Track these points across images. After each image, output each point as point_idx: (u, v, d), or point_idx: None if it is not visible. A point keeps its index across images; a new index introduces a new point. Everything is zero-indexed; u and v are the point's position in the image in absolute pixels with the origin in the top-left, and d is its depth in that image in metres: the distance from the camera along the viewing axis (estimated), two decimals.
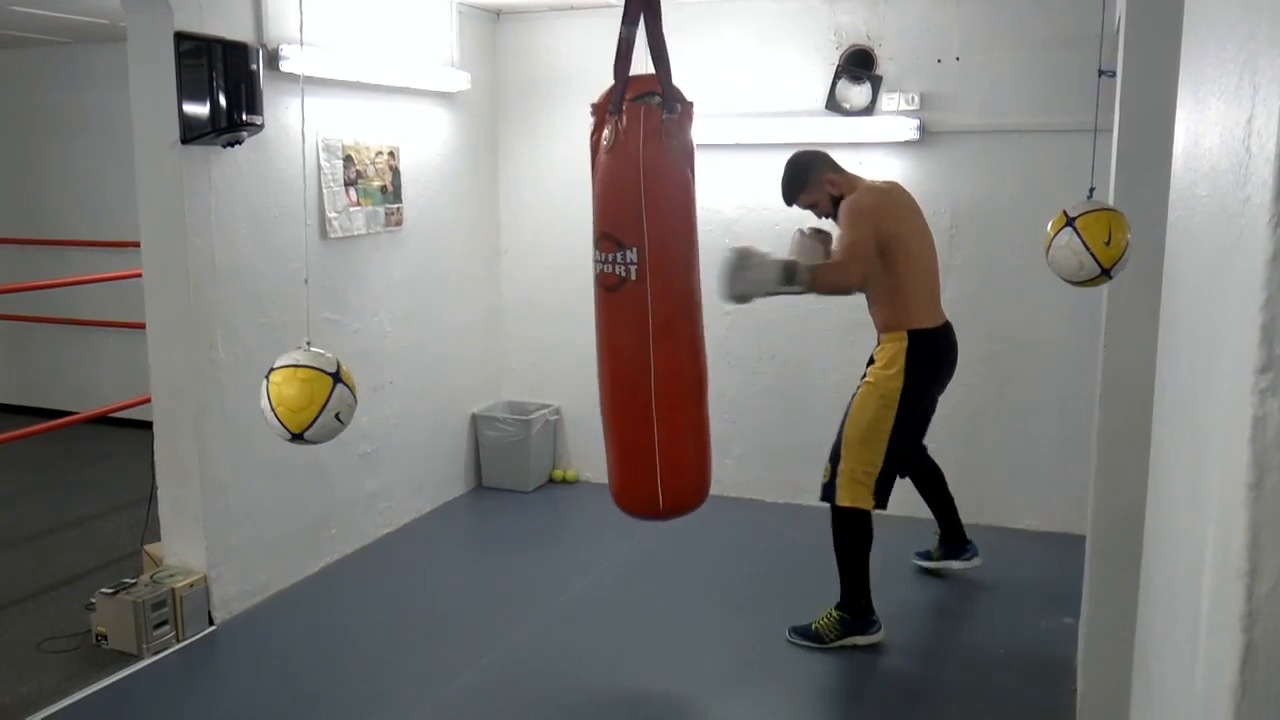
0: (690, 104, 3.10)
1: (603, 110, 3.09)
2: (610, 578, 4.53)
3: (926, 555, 4.47)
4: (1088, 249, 2.87)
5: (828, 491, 3.76)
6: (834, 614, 3.83)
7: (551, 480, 5.83)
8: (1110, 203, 3.25)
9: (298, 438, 2.48)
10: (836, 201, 3.75)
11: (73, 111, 6.92)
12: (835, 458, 3.75)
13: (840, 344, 5.24)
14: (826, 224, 3.90)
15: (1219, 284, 0.98)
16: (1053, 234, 2.96)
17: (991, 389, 5.03)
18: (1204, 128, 1.14)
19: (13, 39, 6.67)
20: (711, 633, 4.02)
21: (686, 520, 5.14)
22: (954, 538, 4.40)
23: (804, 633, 3.85)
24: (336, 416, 2.46)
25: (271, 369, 2.49)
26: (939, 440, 5.07)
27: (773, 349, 5.39)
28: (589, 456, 5.81)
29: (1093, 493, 3.27)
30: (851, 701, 3.61)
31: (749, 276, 3.48)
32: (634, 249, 3.00)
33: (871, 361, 3.80)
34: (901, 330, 3.71)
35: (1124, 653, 2.96)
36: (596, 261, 3.11)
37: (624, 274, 3.02)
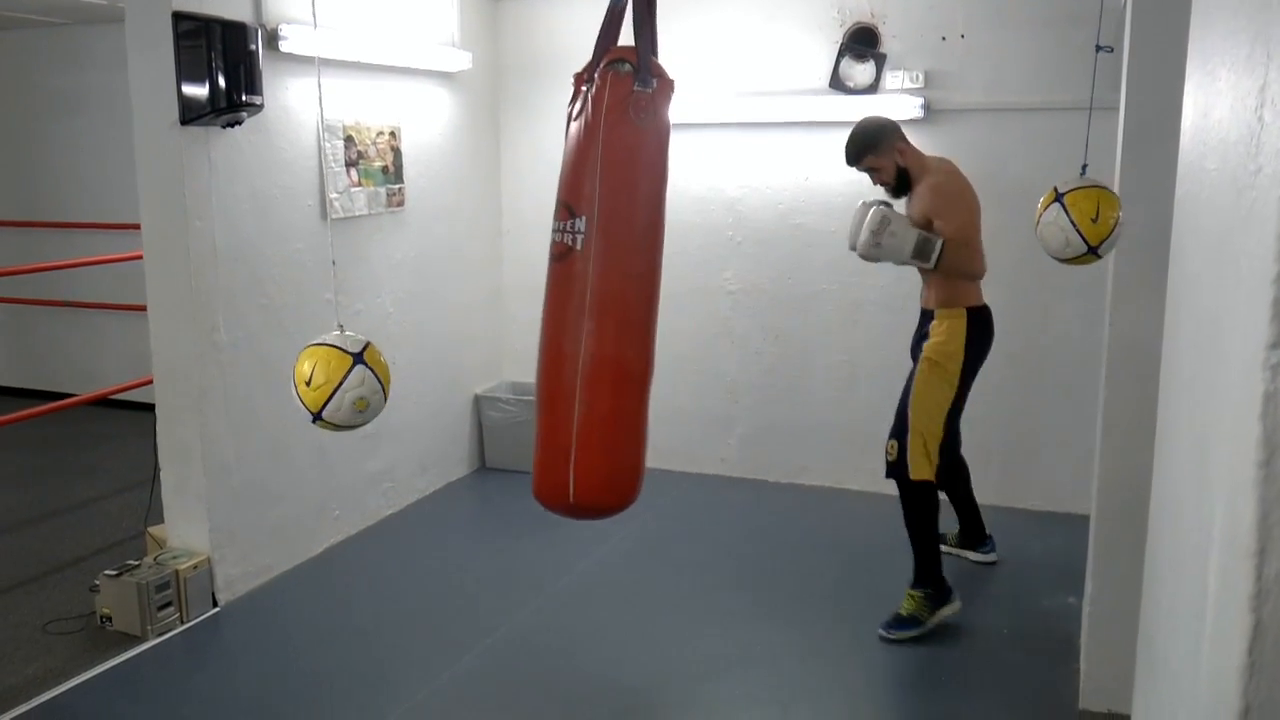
0: (670, 81, 3.01)
1: (580, 80, 3.02)
2: (613, 558, 4.53)
3: (943, 539, 4.34)
4: (1074, 226, 2.85)
5: (897, 469, 3.77)
6: (916, 594, 3.82)
7: None
8: (1115, 179, 3.24)
9: (317, 417, 2.48)
10: (900, 172, 3.78)
11: (72, 93, 6.90)
12: (901, 433, 3.76)
13: (843, 324, 5.23)
14: (887, 197, 3.88)
15: (1228, 258, 0.96)
16: (1042, 210, 2.95)
17: (996, 368, 5.00)
18: (1214, 99, 1.12)
19: (11, 20, 6.64)
20: (715, 612, 4.02)
21: (689, 501, 5.19)
22: (973, 532, 4.43)
23: (898, 624, 3.80)
24: (358, 401, 2.45)
25: (304, 348, 2.52)
26: None
27: (775, 329, 5.37)
28: None
29: (1097, 472, 3.26)
30: (854, 680, 3.61)
31: (888, 242, 3.54)
32: (583, 218, 2.89)
33: (926, 337, 3.83)
34: (960, 307, 3.78)
35: (1127, 632, 2.96)
36: (553, 231, 2.98)
37: (570, 243, 2.88)
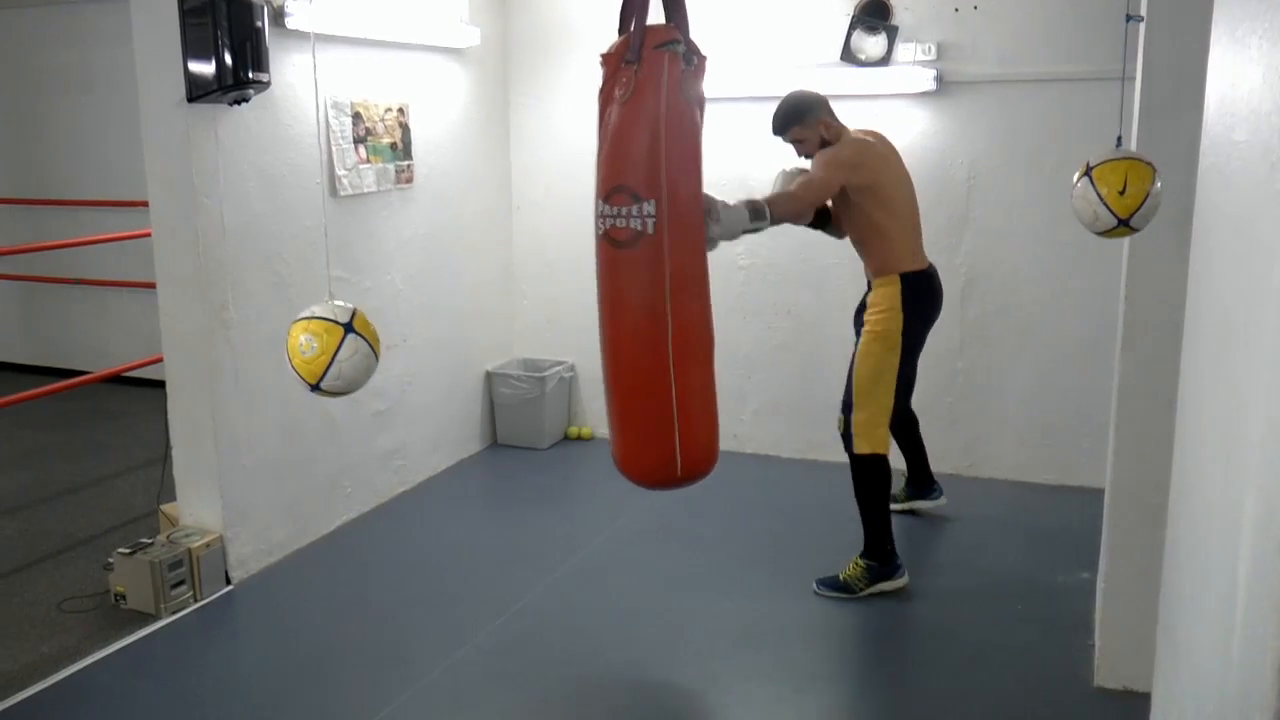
0: (705, 57, 3.03)
1: (616, 60, 2.98)
2: (626, 534, 4.52)
3: (894, 499, 4.42)
4: (1101, 199, 2.81)
5: (844, 441, 3.87)
6: (860, 563, 3.90)
7: (566, 438, 5.82)
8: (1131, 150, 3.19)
9: (315, 388, 2.55)
10: (823, 144, 3.83)
11: (79, 71, 6.88)
12: (848, 407, 3.84)
13: (857, 299, 5.17)
14: (804, 164, 3.93)
15: (1260, 232, 0.93)
16: (1073, 183, 2.91)
17: (1011, 341, 4.97)
18: (1244, 69, 1.09)
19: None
20: (728, 588, 4.01)
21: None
22: (921, 479, 4.57)
23: (832, 584, 3.92)
24: (350, 365, 2.53)
25: (292, 322, 2.58)
26: (956, 392, 5.04)
27: (789, 303, 5.34)
28: (604, 414, 5.77)
29: (1112, 447, 3.23)
30: (868, 654, 3.61)
31: (724, 226, 3.44)
32: (651, 201, 2.91)
33: (864, 308, 3.92)
34: (893, 274, 3.82)
35: (1142, 608, 2.94)
36: (604, 216, 3.01)
37: (640, 228, 2.93)
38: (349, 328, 2.53)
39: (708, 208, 3.28)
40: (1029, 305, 4.90)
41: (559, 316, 5.81)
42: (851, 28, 4.88)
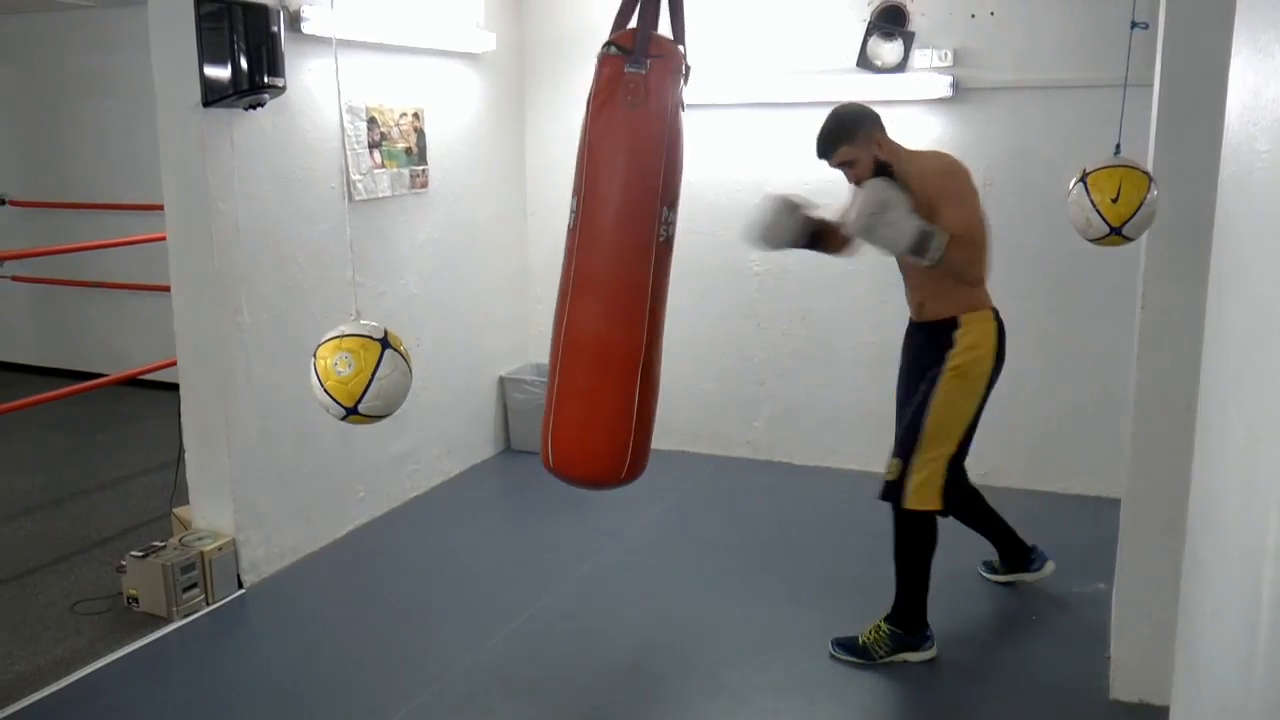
0: (676, 58, 2.87)
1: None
2: (639, 541, 4.51)
3: (991, 568, 4.12)
4: (1094, 206, 2.80)
5: (892, 490, 3.38)
6: (884, 628, 3.51)
7: None
8: (1149, 158, 3.16)
9: (352, 411, 2.36)
10: (879, 167, 3.26)
11: (99, 75, 6.92)
12: (906, 453, 3.37)
13: (872, 305, 5.17)
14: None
15: None
16: (1069, 188, 2.90)
17: (1026, 350, 4.93)
18: (1267, 77, 1.07)
19: (39, 3, 6.65)
20: (741, 597, 3.99)
21: (715, 484, 5.16)
22: (1015, 551, 4.00)
23: (848, 647, 3.55)
24: (390, 382, 2.36)
25: (317, 345, 2.40)
26: None
27: (803, 310, 5.32)
28: None
29: (1128, 457, 3.20)
30: (880, 665, 3.58)
31: (885, 232, 3.06)
32: (575, 198, 2.92)
33: (950, 345, 3.35)
34: (986, 309, 3.38)
35: (1158, 619, 2.91)
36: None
37: (571, 224, 2.98)
38: (385, 343, 2.37)
39: (882, 202, 3.02)
40: (1043, 313, 4.87)
41: None
42: (868, 34, 4.86)
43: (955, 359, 3.35)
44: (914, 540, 3.44)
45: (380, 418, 2.44)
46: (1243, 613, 0.96)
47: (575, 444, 2.90)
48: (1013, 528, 3.98)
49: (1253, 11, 1.26)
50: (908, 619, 3.50)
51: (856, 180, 3.32)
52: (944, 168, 3.30)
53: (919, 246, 3.08)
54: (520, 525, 4.85)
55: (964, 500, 3.77)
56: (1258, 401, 1.00)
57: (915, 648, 3.51)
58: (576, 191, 2.88)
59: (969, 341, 3.35)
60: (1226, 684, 1.04)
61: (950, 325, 3.38)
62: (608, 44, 2.79)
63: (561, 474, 2.91)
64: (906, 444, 3.38)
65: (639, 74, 2.79)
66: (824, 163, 3.39)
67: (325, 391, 2.35)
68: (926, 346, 3.46)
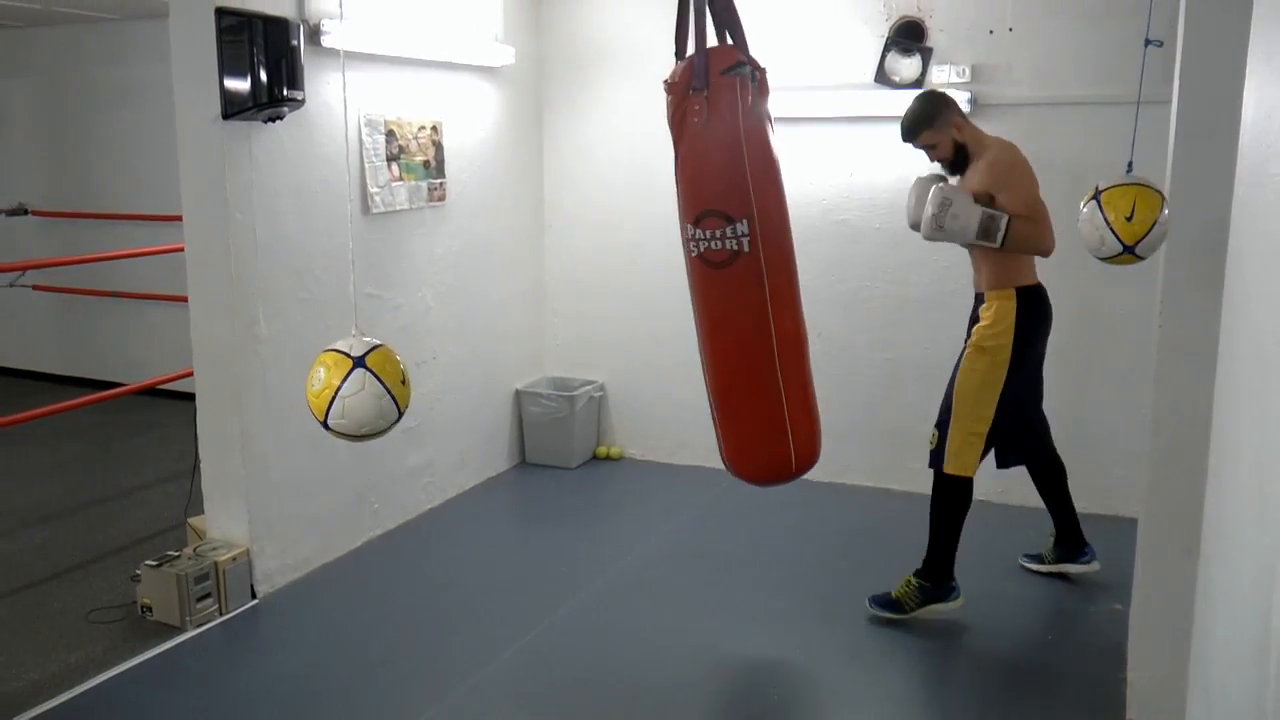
0: (764, 69, 3.17)
1: (683, 89, 3.09)
2: (653, 556, 4.50)
3: (1038, 558, 4.24)
4: (1108, 224, 2.80)
5: (936, 458, 3.73)
6: (914, 581, 3.82)
7: (595, 457, 5.80)
8: (1166, 175, 3.15)
9: (325, 425, 2.40)
10: (958, 148, 3.68)
11: (119, 87, 6.99)
12: (944, 424, 3.71)
13: (887, 322, 5.16)
14: (936, 169, 3.86)
15: None
16: (1081, 207, 2.89)
17: (1045, 363, 4.91)
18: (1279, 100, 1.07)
19: (61, 16, 6.72)
20: (754, 613, 3.97)
21: (730, 499, 5.14)
22: (1071, 538, 4.16)
23: (883, 602, 3.84)
24: (354, 401, 2.33)
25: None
26: None
27: (818, 327, 5.27)
28: (633, 433, 5.77)
29: (1146, 477, 3.17)
30: (897, 683, 3.56)
31: (951, 225, 3.48)
32: (743, 221, 3.06)
33: (976, 320, 3.73)
34: (1009, 288, 3.65)
35: (1175, 641, 2.88)
36: (697, 240, 3.12)
37: (735, 248, 3.07)
38: (360, 362, 2.34)
39: (944, 199, 3.42)
40: (1060, 330, 4.81)
41: (590, 335, 5.80)
42: (886, 49, 4.86)
43: (976, 334, 3.68)
44: (949, 502, 3.75)
45: (355, 437, 2.40)
46: (1253, 642, 0.95)
47: (813, 432, 3.36)
48: (1079, 519, 4.18)
49: (1267, 33, 1.25)
50: (936, 573, 3.79)
51: (939, 160, 3.75)
52: (998, 159, 3.63)
53: (986, 232, 3.48)
54: (534, 539, 4.85)
55: (1046, 467, 4.09)
56: (1267, 431, 0.99)
57: (943, 599, 3.81)
58: (737, 215, 3.08)
59: (989, 318, 3.66)
60: (1240, 712, 1.02)
61: (979, 301, 3.75)
62: (737, 66, 3.09)
63: (801, 471, 3.37)
64: (942, 415, 3.73)
65: (756, 86, 3.16)
66: (908, 146, 3.81)
67: (307, 401, 2.40)
68: (970, 321, 3.82)
